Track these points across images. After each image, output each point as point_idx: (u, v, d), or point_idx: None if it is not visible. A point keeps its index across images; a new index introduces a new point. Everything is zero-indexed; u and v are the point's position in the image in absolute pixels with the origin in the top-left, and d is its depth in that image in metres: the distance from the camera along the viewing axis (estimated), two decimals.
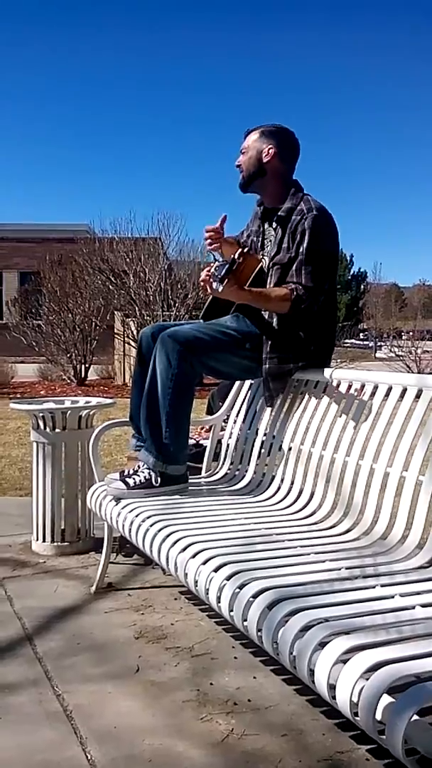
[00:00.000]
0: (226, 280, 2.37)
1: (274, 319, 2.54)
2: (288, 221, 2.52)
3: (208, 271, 2.47)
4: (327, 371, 2.55)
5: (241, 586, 1.67)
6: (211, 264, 2.49)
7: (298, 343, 2.54)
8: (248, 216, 2.86)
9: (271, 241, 2.62)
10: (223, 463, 2.97)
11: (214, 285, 2.40)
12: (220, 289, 2.39)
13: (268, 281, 2.55)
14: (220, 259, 2.54)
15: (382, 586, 1.73)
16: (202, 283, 2.54)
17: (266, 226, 2.69)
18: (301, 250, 2.47)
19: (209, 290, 2.45)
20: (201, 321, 2.67)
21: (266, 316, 2.60)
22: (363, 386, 2.39)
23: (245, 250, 2.55)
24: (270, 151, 2.57)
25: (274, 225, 2.59)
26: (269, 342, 2.54)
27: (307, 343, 2.56)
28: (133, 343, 11.86)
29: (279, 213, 2.56)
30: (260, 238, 2.71)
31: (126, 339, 13.49)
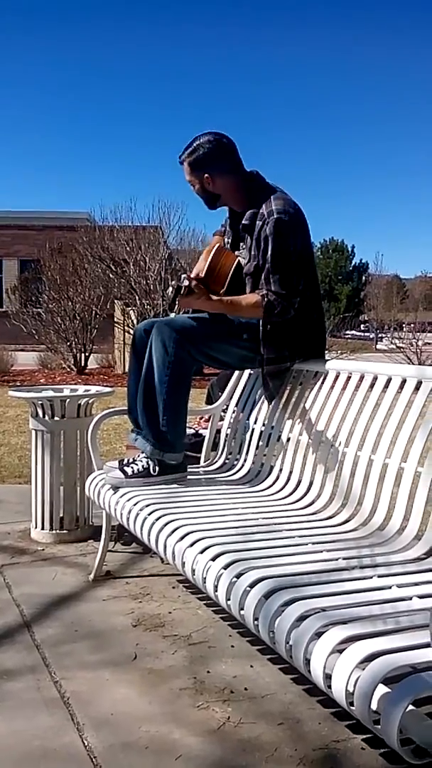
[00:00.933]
0: (177, 303, 2.40)
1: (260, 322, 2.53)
2: (252, 228, 2.50)
3: (167, 295, 2.50)
4: (326, 362, 2.55)
5: (238, 575, 1.67)
6: (171, 284, 2.50)
7: (291, 338, 2.54)
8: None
9: (246, 246, 2.61)
10: (222, 453, 2.97)
11: (170, 313, 2.45)
12: (172, 315, 2.43)
13: (247, 291, 2.55)
14: (172, 283, 2.53)
15: (380, 576, 1.73)
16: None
17: (238, 229, 2.66)
18: (267, 257, 2.44)
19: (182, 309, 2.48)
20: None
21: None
22: (362, 377, 2.39)
23: (221, 245, 2.59)
24: (209, 180, 2.54)
25: (244, 234, 2.58)
26: (263, 342, 2.53)
27: (300, 338, 2.56)
28: (132, 332, 11.83)
29: (243, 222, 2.54)
30: (233, 240, 2.70)
31: (126, 328, 13.47)
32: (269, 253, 2.43)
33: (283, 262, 2.44)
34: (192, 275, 2.50)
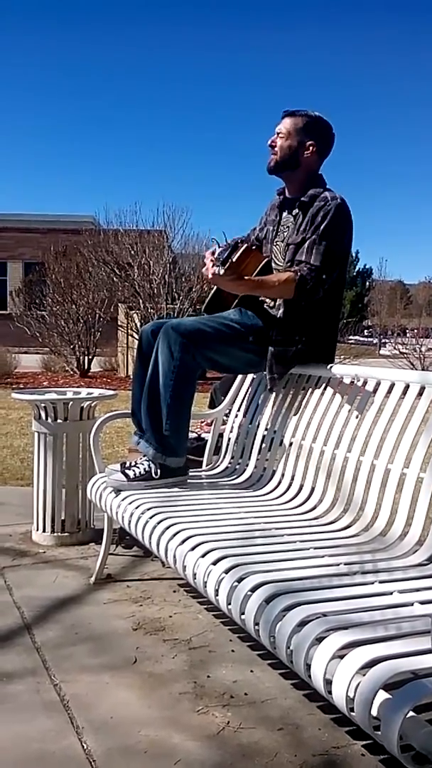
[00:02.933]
0: (229, 263, 2.36)
1: (280, 310, 2.53)
2: (310, 206, 2.52)
3: (212, 255, 2.46)
4: (329, 367, 2.55)
5: (239, 580, 1.67)
6: (214, 248, 2.48)
7: (304, 328, 2.53)
8: (254, 209, 2.86)
9: (288, 227, 2.61)
10: (224, 457, 2.96)
11: (216, 269, 2.39)
12: (221, 272, 2.38)
13: (282, 260, 2.56)
14: (222, 244, 2.53)
15: (381, 582, 1.73)
16: (204, 271, 2.54)
17: (284, 214, 2.67)
18: (319, 229, 2.46)
19: (211, 277, 2.45)
20: (204, 314, 2.67)
21: (271, 309, 2.60)
22: (365, 382, 2.39)
23: (251, 246, 2.55)
24: (311, 148, 2.56)
25: (295, 211, 2.58)
26: (275, 327, 2.53)
27: (312, 328, 2.55)
28: (136, 336, 11.84)
29: (302, 198, 2.56)
30: (276, 228, 2.70)
31: (129, 331, 13.50)
32: (323, 225, 2.46)
33: (331, 239, 2.46)
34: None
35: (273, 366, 2.58)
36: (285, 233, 2.63)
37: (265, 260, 2.55)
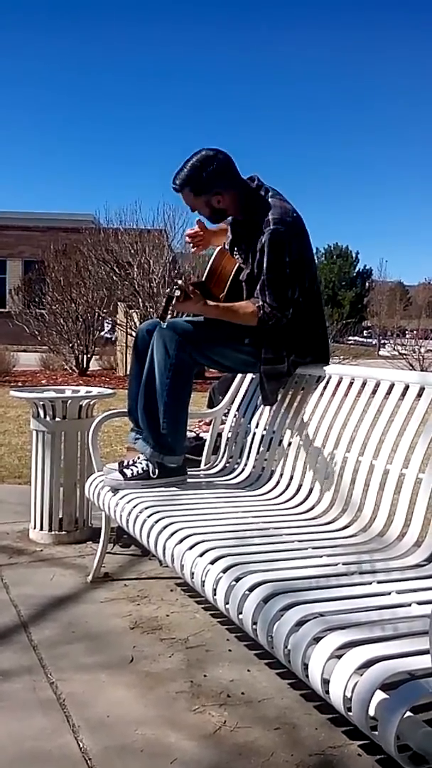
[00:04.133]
0: (168, 315, 2.36)
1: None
2: (253, 236, 2.49)
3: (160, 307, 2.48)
4: (328, 366, 2.55)
5: (237, 579, 1.67)
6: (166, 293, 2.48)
7: (290, 340, 2.54)
8: None
9: (243, 251, 2.61)
10: (222, 457, 2.96)
11: (162, 323, 2.39)
12: (164, 326, 2.39)
13: (243, 296, 2.57)
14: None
15: (379, 582, 1.73)
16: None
17: (236, 233, 2.67)
18: (263, 269, 2.44)
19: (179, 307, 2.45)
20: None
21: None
22: (364, 383, 2.39)
23: (223, 247, 2.58)
24: (218, 199, 2.51)
25: (242, 240, 2.59)
26: (265, 340, 2.53)
27: (299, 340, 2.56)
28: (135, 335, 11.83)
29: (243, 228, 2.55)
30: (233, 245, 2.70)
31: (129, 330, 13.47)
32: (264, 265, 2.44)
33: (277, 275, 2.44)
34: (176, 279, 2.50)
35: (265, 383, 2.60)
36: (241, 256, 2.61)
37: (237, 265, 2.58)
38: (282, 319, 2.48)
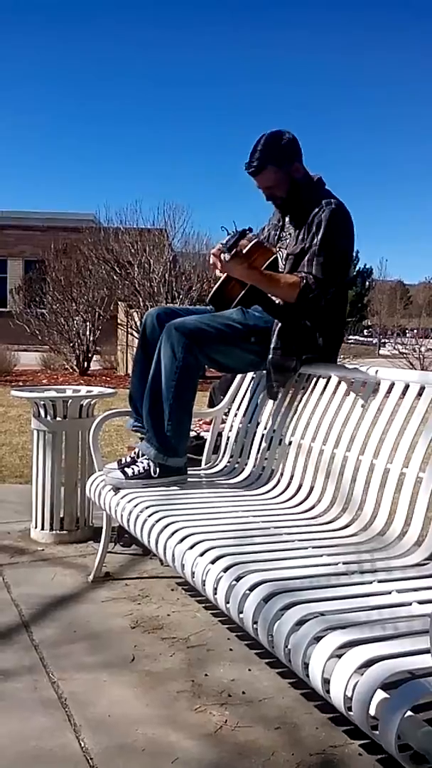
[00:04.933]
0: (235, 250, 2.36)
1: (279, 323, 2.53)
2: (307, 213, 2.51)
3: (221, 245, 2.46)
4: (329, 366, 2.55)
5: (237, 579, 1.67)
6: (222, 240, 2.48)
7: (304, 336, 2.54)
8: (254, 208, 2.85)
9: (290, 233, 2.61)
10: (223, 456, 2.96)
11: (224, 256, 2.39)
12: (227, 258, 2.38)
13: (283, 269, 2.55)
14: (231, 232, 2.51)
15: (380, 582, 1.73)
16: (211, 260, 2.53)
17: (287, 219, 2.67)
18: (315, 241, 2.46)
19: (218, 265, 2.43)
20: (208, 308, 2.67)
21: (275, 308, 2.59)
22: (365, 382, 2.38)
23: (259, 240, 2.56)
24: (296, 168, 2.53)
25: (294, 220, 2.58)
26: (276, 332, 2.53)
27: (313, 337, 2.55)
28: (136, 334, 11.84)
29: (291, 207, 2.56)
30: (278, 233, 2.70)
31: (129, 330, 13.48)
32: (319, 236, 2.45)
33: (330, 249, 2.45)
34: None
35: (272, 374, 2.59)
36: (287, 240, 2.63)
37: (273, 256, 2.56)
38: (321, 298, 2.46)
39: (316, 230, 2.46)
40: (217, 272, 2.56)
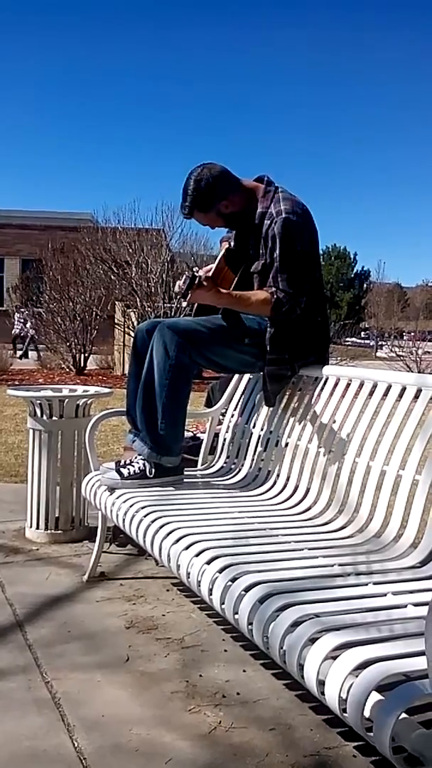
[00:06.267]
0: (189, 294, 2.39)
1: (269, 330, 2.53)
2: (261, 228, 2.50)
3: (179, 284, 2.48)
4: (326, 368, 2.55)
5: (233, 580, 1.67)
6: (181, 278, 2.49)
7: (293, 342, 2.54)
8: None
9: (251, 245, 2.61)
10: (220, 457, 2.96)
11: (183, 302, 2.42)
12: (183, 304, 2.41)
13: (254, 287, 2.56)
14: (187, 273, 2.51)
15: (375, 584, 1.73)
16: (177, 295, 2.56)
17: (245, 231, 2.65)
18: (275, 256, 2.45)
19: (190, 296, 2.45)
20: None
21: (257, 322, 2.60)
22: (362, 384, 2.39)
23: (229, 247, 2.58)
24: (225, 205, 2.52)
25: (252, 236, 2.58)
26: (269, 340, 2.53)
27: (302, 341, 2.56)
28: (132, 334, 11.83)
29: (250, 222, 2.55)
30: (237, 243, 2.70)
31: (126, 330, 13.46)
32: (277, 252, 2.44)
33: (290, 261, 2.45)
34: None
35: (267, 384, 2.61)
36: (249, 252, 2.61)
37: (244, 264, 2.57)
38: (295, 308, 2.47)
39: (272, 245, 2.46)
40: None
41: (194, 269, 2.43)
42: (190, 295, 2.40)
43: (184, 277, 2.44)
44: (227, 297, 2.48)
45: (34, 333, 17.19)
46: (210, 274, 2.55)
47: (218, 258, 2.59)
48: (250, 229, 2.56)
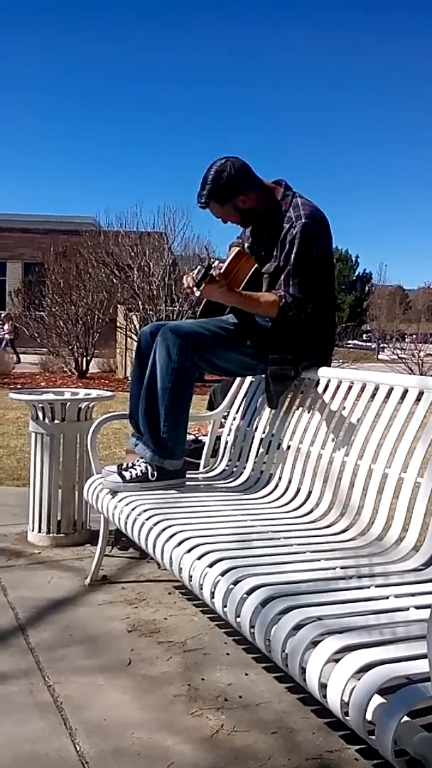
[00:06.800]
0: (203, 284, 2.38)
1: (272, 330, 2.54)
2: (278, 230, 2.50)
3: (192, 276, 2.47)
4: (328, 370, 2.55)
5: (235, 583, 1.67)
6: (193, 270, 2.49)
7: (297, 343, 2.54)
8: None
9: (264, 246, 2.61)
10: (222, 460, 2.96)
11: (195, 291, 2.41)
12: (197, 294, 2.41)
13: (262, 289, 2.56)
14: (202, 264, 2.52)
15: (377, 586, 1.72)
16: (185, 291, 2.55)
17: (260, 231, 2.66)
18: (290, 260, 2.46)
19: (198, 293, 2.45)
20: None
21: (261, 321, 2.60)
22: (364, 386, 2.39)
23: (241, 249, 2.57)
24: (242, 200, 2.51)
25: (265, 235, 2.58)
26: (272, 342, 2.53)
27: (306, 343, 2.56)
28: (135, 337, 11.83)
29: (261, 224, 2.55)
30: (251, 245, 2.69)
31: (128, 333, 13.49)
32: (293, 255, 2.45)
33: (304, 266, 2.46)
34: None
35: (271, 385, 2.60)
36: (262, 252, 2.61)
37: (256, 266, 2.57)
38: (301, 313, 2.48)
39: (289, 248, 2.46)
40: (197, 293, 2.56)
41: (211, 260, 2.41)
42: (203, 285, 2.38)
43: (198, 267, 2.44)
44: (237, 296, 2.49)
45: (9, 337, 17.17)
46: (222, 271, 2.54)
47: (229, 258, 2.57)
48: (265, 229, 2.56)
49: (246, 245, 2.72)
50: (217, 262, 2.47)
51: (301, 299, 2.46)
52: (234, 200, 2.52)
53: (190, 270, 2.55)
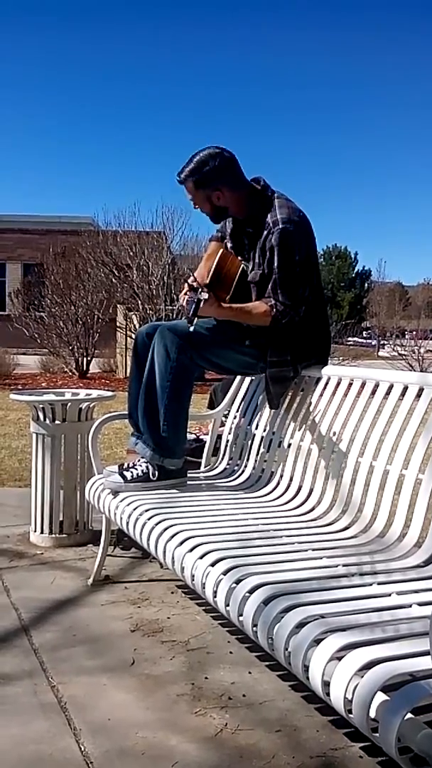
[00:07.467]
0: (196, 319, 2.38)
1: (269, 334, 2.53)
2: (258, 236, 2.50)
3: (184, 294, 2.45)
4: (328, 368, 2.55)
5: (237, 581, 1.67)
6: (185, 291, 2.46)
7: (294, 343, 2.54)
8: None
9: (245, 251, 2.61)
10: (223, 458, 2.96)
11: (190, 327, 2.39)
12: (190, 329, 2.39)
13: (252, 296, 2.55)
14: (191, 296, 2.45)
15: (379, 584, 1.72)
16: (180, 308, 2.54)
17: (240, 235, 2.66)
18: (273, 268, 2.45)
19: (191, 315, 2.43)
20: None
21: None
22: (364, 383, 2.39)
23: (225, 250, 2.56)
24: (217, 196, 2.51)
25: (245, 240, 2.58)
26: (270, 343, 2.53)
27: (303, 344, 2.56)
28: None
29: (247, 228, 2.55)
30: (234, 244, 2.68)
31: (128, 333, 13.48)
32: (275, 264, 2.44)
33: (290, 273, 2.45)
34: (192, 280, 2.48)
35: (270, 386, 2.61)
36: (244, 255, 2.61)
37: (242, 265, 2.58)
38: (295, 318, 2.48)
39: (270, 256, 2.45)
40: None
41: (200, 290, 2.40)
42: (196, 320, 2.39)
43: (188, 298, 2.41)
44: (228, 310, 2.49)
45: None
46: (207, 279, 2.52)
47: (215, 261, 2.55)
48: (245, 233, 2.56)
49: (228, 244, 2.71)
50: (201, 290, 2.39)
51: (292, 305, 2.46)
52: (209, 191, 2.51)
53: (182, 284, 2.52)
